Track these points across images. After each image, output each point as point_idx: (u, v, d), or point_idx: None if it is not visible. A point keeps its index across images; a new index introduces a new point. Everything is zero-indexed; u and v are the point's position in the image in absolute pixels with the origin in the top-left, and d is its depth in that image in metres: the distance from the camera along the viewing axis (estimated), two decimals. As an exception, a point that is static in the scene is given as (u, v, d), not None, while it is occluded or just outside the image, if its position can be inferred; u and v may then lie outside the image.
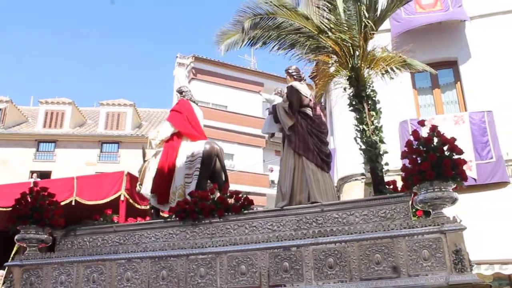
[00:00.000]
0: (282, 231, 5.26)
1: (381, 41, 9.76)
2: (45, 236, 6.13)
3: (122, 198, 8.54)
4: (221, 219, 5.59)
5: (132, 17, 75.08)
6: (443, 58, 11.73)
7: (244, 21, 6.61)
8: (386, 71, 6.35)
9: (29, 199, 6.16)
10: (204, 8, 73.52)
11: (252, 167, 26.60)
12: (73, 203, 8.96)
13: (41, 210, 6.03)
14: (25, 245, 6.16)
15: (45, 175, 22.61)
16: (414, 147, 4.85)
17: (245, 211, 5.58)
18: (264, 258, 4.99)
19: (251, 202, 5.68)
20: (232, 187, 19.29)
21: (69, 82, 70.11)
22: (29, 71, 71.25)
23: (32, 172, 23.12)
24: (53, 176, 23.24)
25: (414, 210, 5.66)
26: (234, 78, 28.53)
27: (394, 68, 6.37)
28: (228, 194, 5.72)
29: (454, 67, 11.81)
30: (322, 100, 12.06)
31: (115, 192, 8.68)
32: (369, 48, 6.56)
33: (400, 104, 11.04)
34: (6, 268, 6.88)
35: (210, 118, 25.81)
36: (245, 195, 5.75)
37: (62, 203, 8.87)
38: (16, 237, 6.16)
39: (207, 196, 5.77)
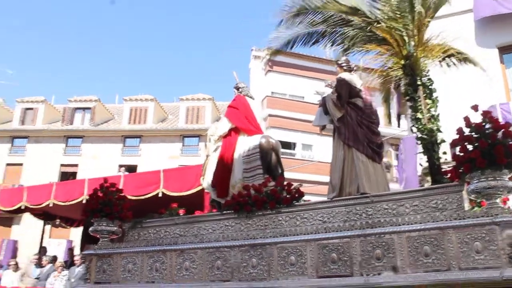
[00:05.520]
0: (331, 223, 5.28)
1: (462, 22, 9.26)
2: (115, 228, 6.61)
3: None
4: (273, 211, 5.71)
5: (209, 13, 76.90)
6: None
7: (288, 16, 6.60)
8: (444, 59, 6.10)
9: (100, 194, 6.66)
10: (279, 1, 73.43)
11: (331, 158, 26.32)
12: (159, 195, 9.54)
13: (111, 204, 6.50)
14: (98, 236, 6.67)
15: (131, 168, 23.89)
16: (465, 134, 4.64)
17: (296, 203, 5.66)
18: (312, 249, 5.04)
19: (302, 194, 5.75)
20: (311, 177, 19.36)
21: (150, 79, 73.28)
22: (114, 71, 75.43)
23: (120, 166, 24.54)
24: (138, 170, 24.53)
25: (479, 200, 5.42)
26: (310, 68, 28.23)
27: (453, 59, 6.09)
28: (279, 187, 5.82)
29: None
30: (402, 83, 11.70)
31: (200, 184, 9.07)
32: (427, 35, 6.32)
33: (488, 88, 10.36)
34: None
35: (288, 109, 25.91)
36: (297, 188, 5.83)
37: (150, 195, 9.55)
38: (90, 229, 6.70)
39: (261, 189, 5.91)
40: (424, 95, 6.00)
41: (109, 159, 26.73)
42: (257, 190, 5.90)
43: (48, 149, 27.96)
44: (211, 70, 76.84)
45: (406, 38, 6.13)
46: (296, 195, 5.69)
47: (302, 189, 5.95)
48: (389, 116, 9.47)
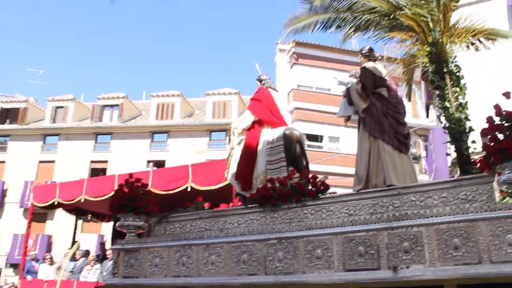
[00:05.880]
0: (358, 215, 5.17)
1: (493, 8, 8.93)
2: (141, 223, 6.65)
3: (235, 183, 8.85)
4: (298, 204, 5.64)
5: (235, 7, 76.83)
6: None
7: (314, 1, 6.43)
8: (472, 43, 5.88)
9: (125, 189, 6.71)
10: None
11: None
12: (188, 189, 9.60)
13: (136, 199, 6.54)
14: (125, 231, 6.72)
15: (159, 164, 24.11)
16: (495, 123, 4.48)
17: (322, 196, 5.58)
18: (338, 242, 4.97)
19: (327, 187, 5.66)
20: (339, 169, 19.26)
21: (177, 75, 73.83)
22: (140, 68, 76.29)
23: (148, 162, 24.84)
24: (167, 165, 24.76)
25: (510, 191, 5.24)
26: (336, 60, 27.88)
27: (482, 40, 5.85)
28: (304, 180, 5.74)
29: None
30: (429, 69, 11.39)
31: None
32: (454, 20, 6.12)
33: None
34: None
35: (314, 102, 25.76)
36: (322, 180, 5.74)
37: (179, 189, 9.63)
38: (117, 224, 6.77)
39: (286, 182, 5.85)
40: (451, 82, 5.80)
41: (137, 155, 27.06)
42: (282, 183, 5.84)
43: (79, 146, 28.51)
44: (237, 64, 76.97)
45: (431, 24, 5.93)
46: (321, 188, 5.61)
47: (329, 181, 5.86)
48: (409, 96, 9.15)
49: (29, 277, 12.41)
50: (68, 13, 73.60)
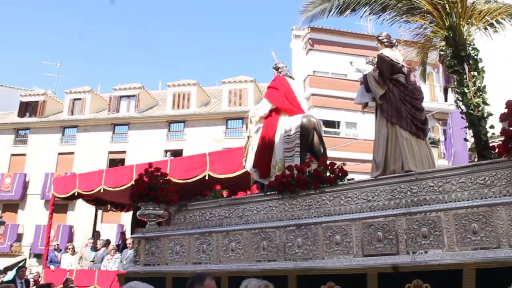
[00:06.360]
0: (376, 201, 5.21)
1: None
2: (162, 211, 6.76)
3: (252, 171, 8.90)
4: (317, 191, 5.69)
5: (250, -7, 76.44)
6: None
7: None
8: (491, 25, 5.78)
9: (145, 179, 6.82)
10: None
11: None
12: (206, 178, 9.71)
13: (156, 188, 6.65)
14: (145, 219, 6.84)
15: (177, 153, 24.28)
16: (514, 107, 4.46)
17: (340, 182, 5.61)
18: (357, 228, 5.01)
19: (345, 174, 5.69)
20: (357, 155, 19.10)
21: (192, 64, 73.95)
22: (156, 58, 76.53)
23: (166, 151, 24.99)
24: (184, 154, 24.88)
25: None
26: (352, 45, 27.52)
27: (501, 20, 5.75)
28: (322, 167, 5.78)
29: None
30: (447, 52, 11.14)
31: None
32: (470, 1, 6.02)
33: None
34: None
35: (330, 87, 25.53)
36: (340, 167, 5.77)
37: (197, 178, 9.74)
38: (137, 212, 6.89)
39: (304, 169, 5.89)
40: (469, 67, 5.74)
41: (155, 144, 27.19)
42: (300, 170, 5.89)
43: (97, 137, 28.75)
44: (252, 52, 76.77)
45: (447, 7, 5.84)
46: (340, 174, 5.64)
47: (347, 167, 5.88)
48: (424, 77, 9.01)
49: (52, 267, 12.71)
50: (82, 5, 74.02)
